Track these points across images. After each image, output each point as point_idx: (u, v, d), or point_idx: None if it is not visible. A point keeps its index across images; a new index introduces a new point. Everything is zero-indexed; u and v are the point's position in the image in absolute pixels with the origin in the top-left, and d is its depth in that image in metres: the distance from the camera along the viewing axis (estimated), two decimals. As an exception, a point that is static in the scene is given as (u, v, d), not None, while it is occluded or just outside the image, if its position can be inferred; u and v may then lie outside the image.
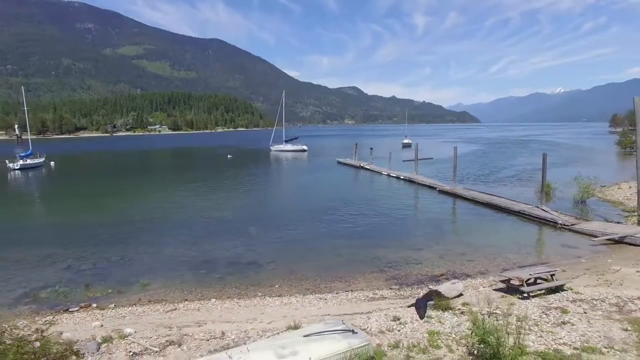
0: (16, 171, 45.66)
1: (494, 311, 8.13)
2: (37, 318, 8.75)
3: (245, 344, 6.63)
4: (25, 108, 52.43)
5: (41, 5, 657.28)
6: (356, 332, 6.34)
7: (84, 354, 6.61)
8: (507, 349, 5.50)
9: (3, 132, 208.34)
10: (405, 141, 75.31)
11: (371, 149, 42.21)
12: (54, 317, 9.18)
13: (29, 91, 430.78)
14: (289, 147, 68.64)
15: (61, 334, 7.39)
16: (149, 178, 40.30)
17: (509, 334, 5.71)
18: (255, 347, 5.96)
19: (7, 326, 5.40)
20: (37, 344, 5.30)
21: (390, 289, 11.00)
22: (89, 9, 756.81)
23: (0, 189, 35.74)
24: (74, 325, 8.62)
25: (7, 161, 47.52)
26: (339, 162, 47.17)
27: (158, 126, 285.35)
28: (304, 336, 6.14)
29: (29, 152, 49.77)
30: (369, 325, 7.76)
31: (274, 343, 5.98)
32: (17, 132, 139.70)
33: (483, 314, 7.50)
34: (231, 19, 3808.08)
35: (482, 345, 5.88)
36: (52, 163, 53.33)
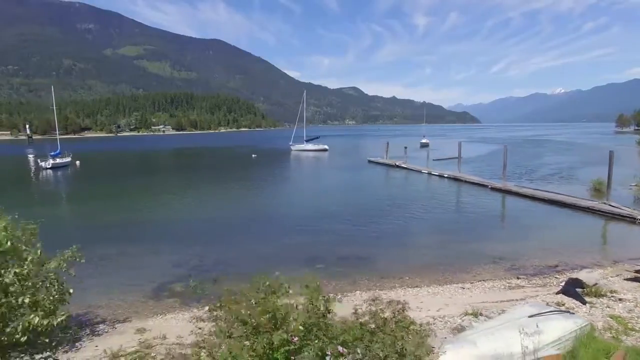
0: (48, 170, 45.97)
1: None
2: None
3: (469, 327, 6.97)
4: (54, 108, 52.52)
5: (42, 6, 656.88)
6: (572, 313, 6.69)
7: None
8: None
9: (8, 132, 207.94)
10: (423, 141, 75.50)
11: (405, 147, 42.47)
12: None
13: (30, 91, 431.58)
14: (310, 146, 68.86)
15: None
16: (190, 177, 40.37)
17: None
18: (490, 326, 6.29)
19: None
20: None
21: (518, 278, 11.35)
22: (90, 9, 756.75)
23: (45, 187, 35.99)
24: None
25: (39, 160, 47.90)
26: (369, 161, 47.38)
27: (162, 126, 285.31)
28: (529, 317, 6.47)
29: (58, 151, 50.00)
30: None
31: (508, 323, 6.31)
32: (28, 132, 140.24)
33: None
34: (232, 19, 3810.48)
35: None
36: (77, 162, 53.56)
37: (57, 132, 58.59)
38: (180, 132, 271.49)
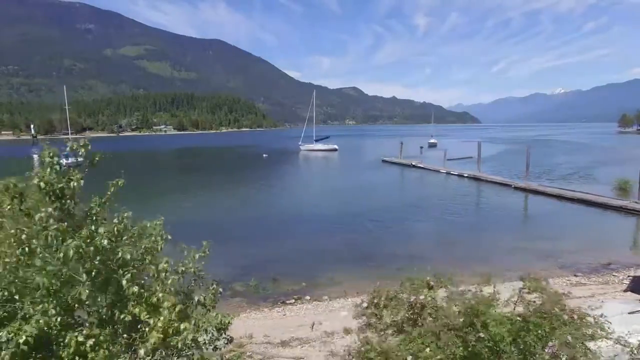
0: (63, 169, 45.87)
1: None
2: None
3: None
4: (67, 107, 52.45)
5: (42, 6, 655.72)
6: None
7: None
8: None
9: (10, 132, 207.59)
10: (432, 141, 75.61)
11: (421, 147, 42.60)
12: (283, 309, 9.52)
13: (31, 91, 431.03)
14: (319, 146, 68.76)
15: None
16: (211, 177, 40.00)
17: None
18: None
19: None
20: None
21: (576, 276, 11.43)
22: (90, 9, 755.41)
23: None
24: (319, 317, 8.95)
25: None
26: (384, 161, 47.39)
27: (163, 126, 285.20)
28: (629, 313, 6.55)
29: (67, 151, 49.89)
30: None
31: (613, 319, 6.36)
32: (32, 132, 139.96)
33: None
34: (232, 19, 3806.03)
35: None
36: (87, 162, 53.49)
37: (69, 132, 58.16)
38: (182, 132, 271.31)
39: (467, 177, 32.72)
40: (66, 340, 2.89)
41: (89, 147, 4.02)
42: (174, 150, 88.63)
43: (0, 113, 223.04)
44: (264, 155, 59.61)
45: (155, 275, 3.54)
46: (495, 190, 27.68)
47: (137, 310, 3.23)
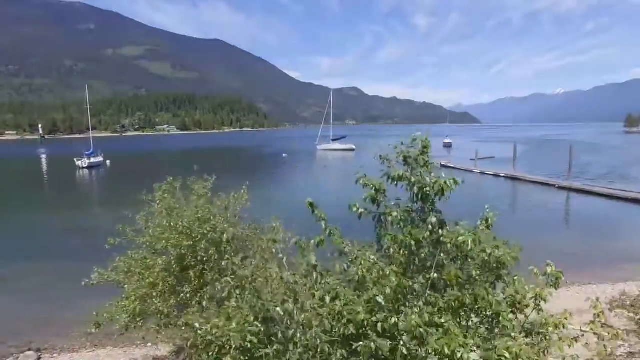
0: (84, 169, 45.50)
1: None
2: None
3: None
4: (88, 107, 51.94)
5: (43, 6, 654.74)
6: None
7: None
8: None
9: (14, 132, 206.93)
10: (447, 141, 75.10)
11: (446, 147, 41.97)
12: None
13: (31, 92, 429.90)
14: (337, 145, 68.33)
15: None
16: (240, 177, 39.10)
17: None
18: None
19: None
20: None
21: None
22: (91, 9, 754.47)
23: (101, 186, 35.57)
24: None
25: (75, 159, 47.35)
26: None
27: (166, 126, 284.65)
28: None
29: (92, 150, 49.48)
30: None
31: None
32: (40, 132, 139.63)
33: None
34: (233, 19, 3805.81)
35: None
36: (108, 162, 53.01)
37: (90, 131, 57.65)
38: (185, 132, 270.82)
39: (503, 177, 32.31)
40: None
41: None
42: (189, 151, 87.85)
43: (2, 113, 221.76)
44: (284, 155, 59.28)
45: None
46: (538, 190, 27.29)
47: None
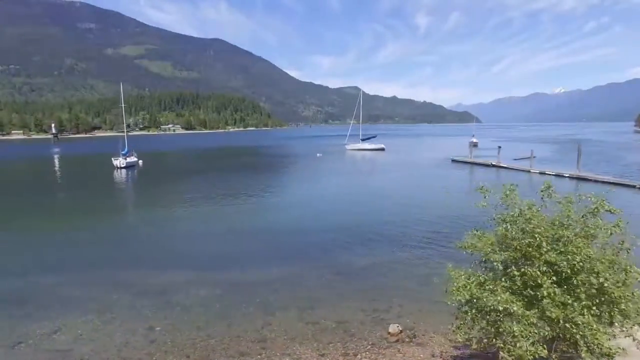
0: (122, 169, 44.66)
1: None
2: None
3: None
4: (122, 105, 51.01)
5: (43, 6, 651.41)
6: None
7: None
8: None
9: (20, 131, 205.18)
10: (473, 140, 74.25)
11: (499, 147, 41.08)
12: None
13: (32, 91, 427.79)
14: (366, 145, 67.58)
15: None
16: (293, 177, 38.46)
17: None
18: None
19: None
20: None
21: None
22: (91, 9, 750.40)
23: (151, 186, 34.65)
24: None
25: (112, 159, 46.51)
26: (454, 161, 46.18)
27: (171, 125, 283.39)
28: None
29: (127, 150, 48.58)
30: None
31: None
32: (53, 131, 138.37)
33: None
34: (233, 18, 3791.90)
35: None
36: (140, 162, 52.11)
37: (125, 130, 56.72)
38: (191, 132, 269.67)
39: (568, 177, 31.46)
40: None
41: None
42: (208, 150, 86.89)
43: (8, 113, 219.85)
44: (318, 154, 58.63)
45: None
46: (617, 191, 26.33)
47: None
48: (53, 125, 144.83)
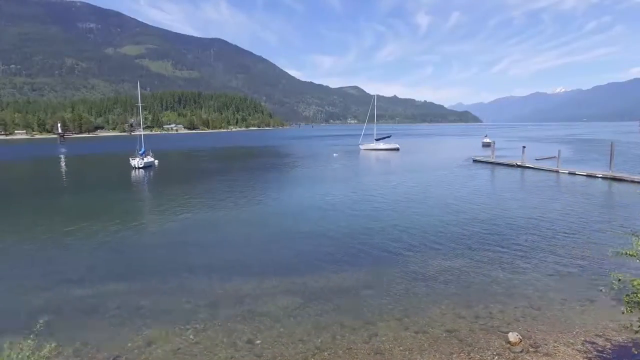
0: (140, 169, 44.14)
1: None
2: None
3: None
4: (140, 104, 50.46)
5: (44, 5, 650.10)
6: None
7: None
8: None
9: (23, 131, 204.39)
10: (486, 140, 73.98)
11: (524, 147, 40.55)
12: None
13: (33, 90, 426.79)
14: (381, 145, 67.12)
15: None
16: (316, 179, 37.85)
17: None
18: None
19: None
20: None
21: None
22: (91, 8, 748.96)
23: (173, 186, 34.10)
24: None
25: (130, 159, 46.01)
26: (475, 161, 45.65)
27: (174, 125, 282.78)
28: None
29: (143, 150, 48.06)
30: None
31: None
32: (59, 130, 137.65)
33: None
34: (234, 18, 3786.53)
35: None
36: (156, 161, 51.57)
37: (142, 129, 56.16)
38: (194, 131, 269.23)
39: (601, 177, 30.92)
40: None
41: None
42: (220, 149, 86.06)
43: (10, 112, 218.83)
44: (334, 154, 58.25)
45: None
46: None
47: None
48: (59, 125, 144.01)
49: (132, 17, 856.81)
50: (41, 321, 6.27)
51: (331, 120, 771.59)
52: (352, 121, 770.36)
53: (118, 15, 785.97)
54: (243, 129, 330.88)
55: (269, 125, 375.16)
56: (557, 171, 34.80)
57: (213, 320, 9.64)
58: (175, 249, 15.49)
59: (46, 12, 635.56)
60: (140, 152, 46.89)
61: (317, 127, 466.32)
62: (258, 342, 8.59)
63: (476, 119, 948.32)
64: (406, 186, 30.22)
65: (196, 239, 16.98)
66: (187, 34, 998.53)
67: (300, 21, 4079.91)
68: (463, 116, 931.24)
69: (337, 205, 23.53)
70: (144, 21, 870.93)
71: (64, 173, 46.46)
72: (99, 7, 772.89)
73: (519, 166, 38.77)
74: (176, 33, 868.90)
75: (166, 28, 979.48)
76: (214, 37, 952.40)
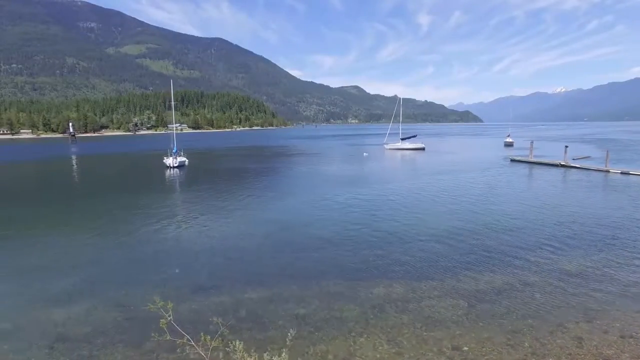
0: (174, 169, 43.69)
1: None
2: None
3: None
4: (173, 102, 49.98)
5: (45, 5, 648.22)
6: None
7: None
8: None
9: (29, 131, 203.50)
10: (508, 140, 73.67)
11: (566, 147, 40.08)
12: None
13: (35, 90, 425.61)
14: (406, 144, 66.72)
15: None
16: (358, 180, 37.49)
17: None
18: None
19: None
20: None
21: None
22: (92, 8, 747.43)
23: (218, 187, 33.55)
24: None
25: (164, 158, 45.60)
26: (513, 160, 45.24)
27: (178, 125, 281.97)
28: None
29: (176, 149, 47.60)
30: None
31: None
32: (71, 130, 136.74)
33: None
34: (235, 18, 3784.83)
35: None
36: (186, 161, 50.95)
37: (174, 129, 55.71)
38: (199, 131, 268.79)
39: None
40: None
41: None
42: (241, 149, 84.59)
43: (15, 112, 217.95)
44: (365, 154, 58.07)
45: None
46: None
47: None
48: (71, 124, 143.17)
49: (133, 16, 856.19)
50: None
51: (332, 120, 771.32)
52: (353, 121, 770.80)
53: (119, 14, 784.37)
54: (247, 128, 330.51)
55: (272, 125, 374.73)
56: (607, 171, 34.31)
57: (367, 326, 9.20)
58: (252, 250, 15.05)
59: (47, 12, 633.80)
60: (173, 151, 46.45)
61: (320, 126, 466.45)
62: (467, 347, 8.15)
63: (477, 119, 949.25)
64: (457, 188, 29.45)
65: (269, 240, 16.57)
66: (188, 33, 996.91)
67: (301, 21, 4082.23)
68: (464, 116, 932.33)
69: (437, 205, 23.14)
70: (144, 21, 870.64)
71: (103, 174, 45.77)
72: (100, 7, 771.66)
73: (562, 166, 38.32)
74: (177, 32, 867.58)
75: (167, 27, 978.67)
76: (214, 36, 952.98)
